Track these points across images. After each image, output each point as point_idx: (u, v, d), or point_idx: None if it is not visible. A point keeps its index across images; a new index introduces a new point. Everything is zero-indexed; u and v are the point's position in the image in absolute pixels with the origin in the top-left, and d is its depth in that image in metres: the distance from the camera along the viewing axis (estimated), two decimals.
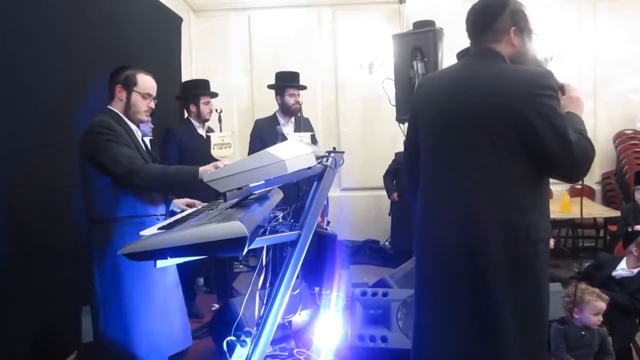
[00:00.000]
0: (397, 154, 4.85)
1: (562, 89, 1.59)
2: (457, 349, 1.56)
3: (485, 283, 1.50)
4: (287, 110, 3.80)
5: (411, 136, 1.77)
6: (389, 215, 5.03)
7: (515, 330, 1.50)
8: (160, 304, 2.08)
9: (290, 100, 3.77)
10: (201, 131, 3.68)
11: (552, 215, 4.52)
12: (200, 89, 3.72)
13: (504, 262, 1.48)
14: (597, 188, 5.60)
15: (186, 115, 3.78)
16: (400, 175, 4.61)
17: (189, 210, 2.00)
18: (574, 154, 1.43)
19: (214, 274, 4.16)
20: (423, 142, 1.69)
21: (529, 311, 1.52)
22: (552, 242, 3.35)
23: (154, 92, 2.18)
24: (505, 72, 1.52)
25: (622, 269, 2.93)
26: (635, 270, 2.88)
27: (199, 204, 2.44)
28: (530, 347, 1.54)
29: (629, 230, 3.60)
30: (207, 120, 3.72)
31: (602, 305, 2.40)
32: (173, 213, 2.35)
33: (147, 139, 2.42)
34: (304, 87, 3.92)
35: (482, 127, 1.49)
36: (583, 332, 2.43)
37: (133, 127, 2.15)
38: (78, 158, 2.08)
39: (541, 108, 1.43)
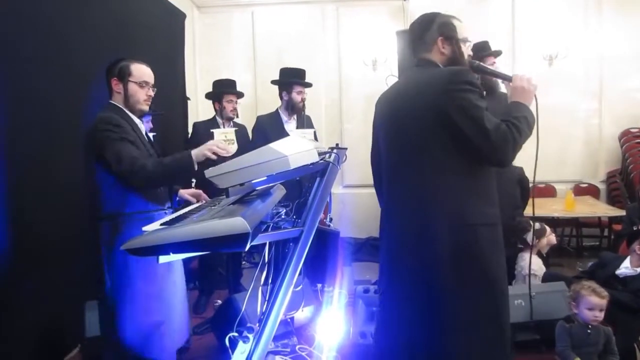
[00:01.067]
0: None
1: (510, 79, 1.76)
2: (408, 336, 1.70)
3: (430, 267, 1.63)
4: (293, 107, 3.78)
5: (374, 147, 2.01)
6: None
7: (463, 322, 1.61)
8: (169, 298, 2.09)
9: (297, 97, 3.76)
10: (226, 126, 3.79)
11: (556, 214, 4.56)
12: (224, 87, 3.94)
13: (447, 246, 1.61)
14: (602, 187, 5.57)
15: (213, 113, 3.96)
16: None
17: (192, 206, 2.00)
18: (491, 139, 1.55)
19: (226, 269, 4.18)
20: (381, 148, 1.90)
21: (473, 293, 1.62)
22: (554, 239, 3.37)
23: (150, 80, 2.17)
24: (431, 75, 1.70)
25: (626, 268, 2.92)
26: (639, 269, 2.86)
27: (205, 197, 2.44)
28: (482, 336, 1.63)
29: (635, 229, 3.58)
30: (230, 118, 3.88)
31: (596, 300, 2.40)
32: (179, 203, 2.35)
33: (150, 135, 2.42)
34: (310, 85, 3.91)
35: (415, 127, 1.67)
36: (589, 331, 2.43)
37: (137, 120, 2.15)
38: (84, 154, 2.08)
39: (457, 101, 1.58)
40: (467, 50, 1.82)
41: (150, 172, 1.95)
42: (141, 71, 2.14)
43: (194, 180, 3.58)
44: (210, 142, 2.02)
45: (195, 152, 1.95)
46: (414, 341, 1.67)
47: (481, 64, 1.86)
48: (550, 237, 3.30)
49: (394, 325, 1.75)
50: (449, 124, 1.59)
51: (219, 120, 3.86)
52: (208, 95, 4.03)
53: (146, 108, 2.18)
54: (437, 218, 1.62)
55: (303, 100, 3.76)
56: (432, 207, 1.64)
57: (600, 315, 2.42)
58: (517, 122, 1.61)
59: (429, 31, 1.78)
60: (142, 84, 2.12)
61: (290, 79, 3.81)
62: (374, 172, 2.04)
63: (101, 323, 2.16)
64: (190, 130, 4.33)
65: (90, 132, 2.04)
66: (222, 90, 3.89)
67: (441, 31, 1.77)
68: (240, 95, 4.01)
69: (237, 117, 3.99)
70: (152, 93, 2.17)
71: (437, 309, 1.63)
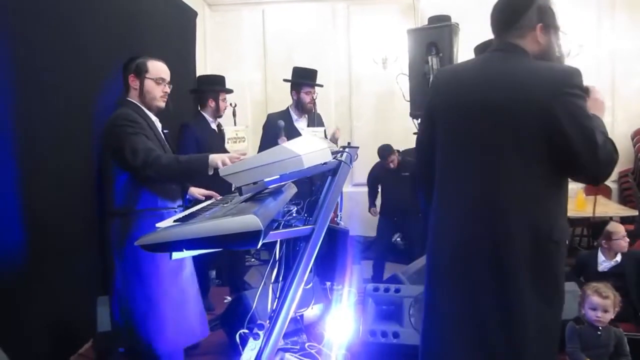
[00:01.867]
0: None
1: (586, 90, 1.54)
2: (479, 347, 1.54)
3: (508, 281, 1.48)
4: (302, 108, 3.79)
5: (426, 131, 1.72)
6: None
7: (533, 330, 1.49)
8: (179, 295, 2.11)
9: (305, 98, 3.76)
10: (214, 126, 3.70)
11: (567, 214, 4.52)
12: (219, 84, 3.74)
13: (529, 261, 1.46)
14: (613, 187, 5.52)
15: (198, 108, 3.75)
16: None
17: (205, 203, 2.02)
18: (600, 157, 1.39)
19: (226, 267, 4.20)
20: (440, 137, 1.64)
21: (547, 310, 1.51)
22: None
23: (167, 77, 2.19)
24: (534, 69, 1.49)
25: (605, 262, 2.92)
26: (619, 258, 2.87)
27: (216, 195, 2.46)
28: (546, 346, 1.53)
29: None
30: (221, 116, 3.73)
31: (598, 300, 2.39)
32: (190, 202, 2.37)
33: (164, 131, 2.44)
34: (320, 85, 3.91)
35: (506, 123, 1.46)
36: (599, 332, 2.41)
37: (153, 117, 2.17)
38: (99, 151, 2.11)
39: (570, 107, 1.39)
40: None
41: (164, 165, 1.97)
42: (158, 68, 2.16)
43: None
44: (230, 155, 2.03)
45: (213, 157, 1.96)
46: (473, 350, 1.54)
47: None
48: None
49: (449, 332, 1.59)
50: (553, 130, 1.40)
51: (209, 118, 3.64)
52: (198, 91, 3.77)
53: (162, 104, 2.19)
54: (521, 229, 1.46)
55: (312, 100, 3.75)
56: (518, 216, 1.46)
57: (603, 316, 2.39)
58: (611, 140, 1.45)
59: (526, 14, 1.52)
60: (158, 81, 2.14)
61: (300, 79, 3.81)
62: (422, 162, 1.77)
63: (111, 318, 2.18)
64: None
65: (107, 128, 2.07)
66: (219, 88, 3.68)
67: (542, 17, 1.52)
68: (230, 92, 3.80)
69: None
70: (168, 90, 2.19)
71: (509, 326, 1.49)
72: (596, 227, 3.19)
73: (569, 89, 1.41)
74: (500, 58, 1.56)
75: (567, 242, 1.57)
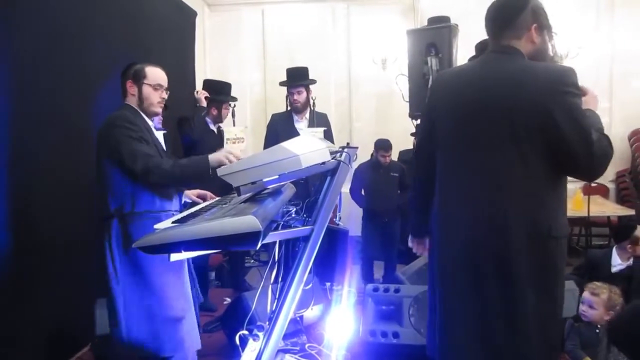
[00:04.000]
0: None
1: (582, 88, 1.58)
2: (483, 340, 1.57)
3: (510, 276, 1.51)
4: (293, 108, 3.81)
5: (426, 132, 1.76)
6: None
7: (534, 324, 1.52)
8: (179, 297, 2.10)
9: (290, 98, 3.80)
10: (212, 127, 3.73)
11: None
12: (224, 94, 3.79)
13: (528, 257, 1.49)
14: (611, 186, 5.53)
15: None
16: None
17: (203, 204, 2.01)
18: (595, 154, 1.43)
19: (226, 268, 4.20)
20: (441, 137, 1.68)
21: (547, 305, 1.54)
22: None
23: (164, 83, 2.19)
24: (530, 69, 1.52)
25: (619, 264, 2.93)
26: (631, 261, 2.91)
27: (211, 196, 2.46)
28: (547, 340, 1.56)
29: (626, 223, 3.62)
30: (222, 122, 3.78)
31: (587, 295, 2.46)
32: (185, 204, 2.36)
33: (160, 133, 2.43)
34: (311, 83, 3.87)
35: (504, 123, 1.49)
36: (597, 330, 2.43)
37: (150, 122, 2.17)
38: (96, 151, 2.10)
39: (567, 105, 1.43)
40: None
41: (165, 171, 1.96)
42: (156, 74, 2.16)
43: None
44: (228, 149, 2.04)
45: (212, 158, 1.96)
46: (483, 342, 1.57)
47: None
48: None
49: (471, 327, 1.61)
50: (549, 128, 1.43)
51: (208, 120, 3.68)
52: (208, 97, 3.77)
53: (159, 110, 2.20)
54: (521, 226, 1.49)
55: (297, 101, 3.75)
56: (519, 214, 1.49)
57: (587, 311, 2.45)
58: (607, 135, 1.50)
59: (521, 15, 1.55)
60: (156, 87, 2.14)
61: (287, 80, 3.84)
62: (421, 163, 1.81)
63: (110, 321, 2.17)
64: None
65: (104, 128, 2.05)
66: (224, 98, 3.74)
67: (536, 17, 1.56)
68: (234, 100, 3.87)
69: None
70: (165, 96, 2.19)
71: (511, 320, 1.53)
72: (613, 229, 3.19)
73: (565, 88, 1.44)
74: (497, 59, 1.59)
75: (566, 239, 1.58)
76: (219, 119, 3.74)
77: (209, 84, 3.88)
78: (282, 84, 3.91)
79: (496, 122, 1.50)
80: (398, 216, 4.17)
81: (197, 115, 3.54)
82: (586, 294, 2.47)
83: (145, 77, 2.13)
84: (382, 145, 4.10)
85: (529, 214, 1.49)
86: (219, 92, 3.78)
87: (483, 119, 1.53)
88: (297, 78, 3.84)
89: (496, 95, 1.51)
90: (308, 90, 3.82)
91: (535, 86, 1.46)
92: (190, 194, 2.43)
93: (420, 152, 1.84)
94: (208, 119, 3.69)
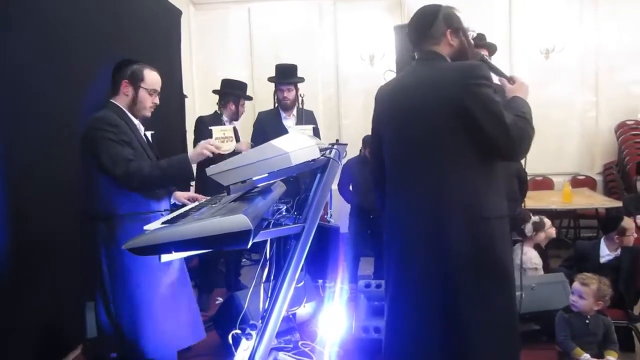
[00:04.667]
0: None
1: (511, 78, 1.79)
2: (423, 333, 1.67)
3: (447, 264, 1.61)
4: (281, 105, 3.81)
5: (375, 143, 1.94)
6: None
7: (481, 316, 1.60)
8: (168, 298, 2.08)
9: (279, 95, 3.79)
10: (228, 125, 3.77)
11: (554, 206, 4.58)
12: (243, 91, 3.94)
13: (463, 241, 1.60)
14: (598, 179, 5.60)
15: (217, 108, 3.93)
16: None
17: (192, 204, 2.00)
18: (511, 135, 1.56)
19: (222, 269, 4.19)
20: (385, 147, 1.84)
21: (496, 295, 1.61)
22: (554, 232, 3.39)
23: (159, 88, 2.17)
24: (444, 68, 1.68)
25: (607, 255, 2.97)
26: (619, 251, 2.96)
27: (202, 198, 2.44)
28: (500, 334, 1.63)
29: (613, 216, 3.67)
30: (237, 119, 3.93)
31: (576, 285, 2.50)
32: (175, 206, 2.35)
33: (149, 133, 2.41)
34: (298, 81, 3.87)
35: (430, 122, 1.63)
36: (587, 321, 2.45)
37: (136, 122, 2.14)
38: (80, 154, 2.07)
39: (477, 95, 1.57)
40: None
41: (146, 175, 1.94)
42: (153, 79, 2.13)
43: (192, 184, 3.53)
44: (204, 142, 2.02)
45: (191, 154, 1.96)
46: (428, 338, 1.65)
47: (486, 58, 1.85)
48: (550, 231, 3.31)
49: (407, 322, 1.72)
50: (467, 119, 1.57)
51: (225, 119, 3.83)
52: (221, 93, 3.92)
53: (149, 114, 2.18)
54: (454, 213, 1.61)
55: (286, 98, 3.76)
56: (448, 201, 1.62)
57: (577, 301, 2.47)
58: (528, 118, 1.64)
59: (435, 23, 1.73)
60: (151, 92, 2.12)
61: (275, 77, 3.85)
62: (375, 169, 1.98)
63: (100, 324, 2.14)
64: (188, 125, 4.28)
65: (85, 132, 2.02)
66: (242, 95, 3.90)
67: (448, 23, 1.73)
68: (250, 99, 4.08)
69: None
70: (157, 101, 2.17)
71: (454, 306, 1.61)
72: (601, 220, 3.23)
73: (474, 80, 1.58)
74: (421, 65, 1.76)
75: (502, 220, 1.67)
76: (235, 116, 3.86)
77: (226, 82, 3.98)
78: (270, 80, 3.89)
79: (423, 123, 1.65)
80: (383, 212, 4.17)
81: (207, 117, 3.81)
82: (576, 285, 2.50)
83: (142, 80, 2.10)
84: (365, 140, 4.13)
85: (460, 199, 1.61)
86: (237, 87, 3.92)
87: (413, 122, 1.68)
88: (288, 75, 3.83)
89: (421, 99, 1.66)
90: (297, 88, 3.82)
91: (449, 83, 1.60)
92: (181, 197, 2.41)
93: (373, 161, 2.00)
94: (225, 117, 3.83)
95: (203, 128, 3.72)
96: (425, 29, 1.74)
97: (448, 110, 1.59)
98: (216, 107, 3.94)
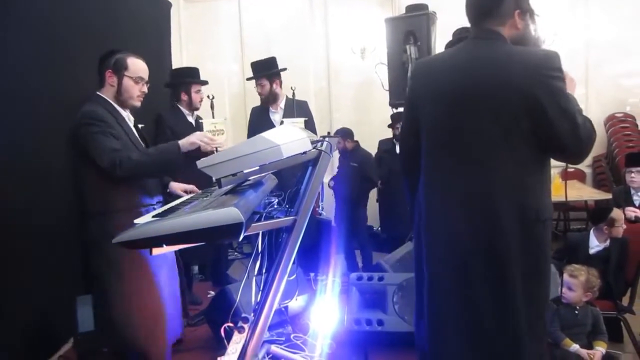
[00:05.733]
0: (380, 142, 4.83)
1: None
2: (474, 340, 1.58)
3: (502, 268, 1.51)
4: (261, 100, 3.86)
5: (409, 121, 1.74)
6: (377, 202, 5.01)
7: (526, 315, 1.53)
8: (162, 292, 2.07)
9: (258, 89, 3.85)
10: (190, 119, 3.65)
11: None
12: (191, 77, 3.69)
13: (518, 242, 1.50)
14: (587, 171, 5.65)
15: (175, 102, 3.73)
16: (383, 163, 4.57)
17: (184, 198, 1.99)
18: (581, 137, 1.45)
19: (209, 261, 4.17)
20: (424, 125, 1.65)
21: (535, 288, 1.55)
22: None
23: (146, 76, 2.12)
24: (514, 53, 1.52)
25: (597, 246, 3.00)
26: (608, 242, 2.97)
27: (197, 190, 2.43)
28: (536, 324, 1.57)
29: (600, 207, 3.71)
30: (197, 108, 3.69)
31: (566, 277, 2.51)
32: (170, 195, 2.33)
33: (139, 126, 2.39)
34: (260, 77, 3.86)
35: (488, 109, 1.48)
36: (576, 312, 2.48)
37: (124, 114, 2.11)
38: (70, 150, 2.04)
39: (552, 89, 1.44)
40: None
41: (135, 162, 1.92)
42: (137, 66, 2.09)
43: None
44: (199, 133, 2.00)
45: (183, 142, 1.93)
46: (476, 337, 1.58)
47: None
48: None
49: (452, 321, 1.62)
50: (535, 111, 1.43)
51: (185, 110, 3.64)
52: (170, 85, 3.78)
53: (138, 104, 2.13)
54: (509, 212, 1.49)
55: (260, 93, 3.82)
56: (507, 200, 1.50)
57: (566, 293, 2.50)
58: (589, 118, 1.51)
59: (505, 2, 1.55)
60: (137, 80, 2.08)
61: (253, 73, 3.87)
62: (406, 155, 1.79)
63: (96, 317, 2.14)
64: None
65: (73, 127, 1.99)
66: (190, 80, 3.65)
67: (518, 2, 1.56)
68: (204, 83, 3.79)
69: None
70: (145, 89, 2.12)
71: (504, 308, 1.53)
72: (590, 212, 3.25)
73: (550, 72, 1.45)
74: (480, 45, 1.58)
75: (551, 221, 1.60)
76: (191, 105, 3.63)
77: (174, 72, 3.86)
78: (248, 79, 3.95)
79: (480, 109, 1.49)
80: (362, 205, 4.25)
81: (167, 113, 3.60)
82: (565, 277, 2.52)
83: (126, 68, 2.06)
84: (339, 132, 4.23)
85: (517, 199, 1.50)
86: (184, 75, 3.73)
87: (467, 106, 1.52)
88: (256, 70, 3.86)
89: (480, 81, 1.50)
90: (272, 81, 3.81)
91: (520, 71, 1.46)
92: (177, 189, 2.40)
93: (405, 142, 1.82)
94: (184, 109, 3.63)
95: (163, 125, 3.54)
96: (493, 7, 1.56)
97: (514, 98, 1.44)
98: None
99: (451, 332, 1.62)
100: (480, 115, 1.50)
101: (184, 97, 3.62)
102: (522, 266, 1.51)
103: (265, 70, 3.82)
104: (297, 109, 3.82)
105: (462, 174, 1.55)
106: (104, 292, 2.03)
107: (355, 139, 4.37)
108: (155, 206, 2.10)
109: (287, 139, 1.46)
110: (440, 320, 1.65)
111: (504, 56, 1.51)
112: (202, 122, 3.32)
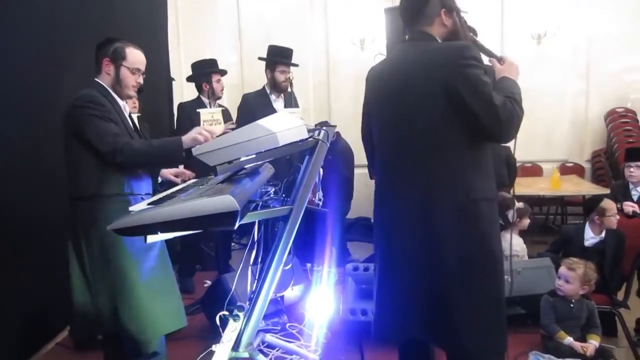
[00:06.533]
0: None
1: (501, 59, 1.76)
2: (412, 315, 1.67)
3: (434, 245, 1.60)
4: (276, 87, 3.78)
5: (365, 123, 1.93)
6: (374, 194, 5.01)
7: (466, 290, 1.60)
8: (150, 281, 2.03)
9: (280, 77, 3.75)
10: (212, 107, 3.73)
11: (542, 193, 4.62)
12: (210, 67, 3.87)
13: (452, 222, 1.59)
14: (587, 166, 5.65)
15: (197, 94, 3.91)
16: None
17: (179, 186, 1.98)
18: (500, 117, 1.54)
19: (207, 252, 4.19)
20: (374, 129, 1.82)
21: (478, 270, 1.61)
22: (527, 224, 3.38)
23: (143, 67, 2.11)
24: (434, 49, 1.65)
25: (592, 238, 3.00)
26: (603, 234, 2.98)
27: (189, 174, 2.41)
28: (485, 305, 1.63)
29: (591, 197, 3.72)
30: (219, 97, 3.92)
31: (563, 270, 2.54)
32: (162, 184, 2.31)
33: (134, 116, 2.37)
34: (295, 65, 3.87)
35: (421, 103, 1.61)
36: (572, 305, 2.49)
37: (121, 102, 2.09)
38: (62, 132, 2.02)
39: (466, 76, 1.54)
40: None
41: (136, 150, 1.90)
42: (136, 57, 2.07)
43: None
44: (198, 127, 1.98)
45: (185, 139, 1.92)
46: (416, 321, 1.66)
47: (477, 40, 1.82)
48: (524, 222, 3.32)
49: (394, 304, 1.72)
50: (456, 100, 1.55)
51: (206, 100, 3.80)
52: (192, 78, 3.95)
53: (133, 94, 2.12)
54: (442, 193, 1.60)
55: (287, 80, 3.73)
56: (439, 183, 1.61)
57: (563, 285, 2.51)
58: (518, 98, 1.62)
59: (429, 3, 1.68)
60: (134, 71, 2.06)
61: (275, 57, 3.79)
62: (366, 149, 1.97)
63: (85, 306, 2.11)
64: (175, 111, 4.25)
65: (69, 109, 1.97)
66: (210, 71, 3.83)
67: (443, 3, 1.69)
68: (224, 73, 3.97)
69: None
70: (141, 80, 2.10)
71: (441, 288, 1.61)
72: (584, 204, 3.25)
73: (463, 61, 1.55)
74: (411, 46, 1.73)
75: (490, 202, 1.66)
76: (213, 95, 3.81)
77: (194, 65, 3.94)
78: (268, 59, 3.83)
79: (413, 105, 1.62)
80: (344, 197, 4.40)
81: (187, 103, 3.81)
82: (562, 269, 2.53)
83: (124, 58, 2.04)
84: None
85: (449, 180, 1.60)
86: (204, 66, 3.87)
87: (403, 104, 1.65)
88: (288, 56, 3.84)
89: (410, 81, 1.63)
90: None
91: (437, 64, 1.58)
92: (168, 174, 2.38)
93: (365, 143, 1.97)
94: (205, 99, 3.79)
95: (182, 115, 3.77)
96: (419, 9, 1.69)
97: (437, 92, 1.57)
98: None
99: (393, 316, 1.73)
100: (413, 111, 1.63)
101: (206, 87, 3.81)
102: (458, 250, 1.59)
103: (291, 59, 3.86)
104: (294, 100, 3.80)
105: (402, 168, 1.68)
106: (91, 279, 2.01)
107: (354, 130, 4.36)
108: (143, 196, 2.07)
109: (284, 126, 1.45)
110: (384, 307, 1.78)
111: (427, 54, 1.64)
112: (199, 112, 3.32)
